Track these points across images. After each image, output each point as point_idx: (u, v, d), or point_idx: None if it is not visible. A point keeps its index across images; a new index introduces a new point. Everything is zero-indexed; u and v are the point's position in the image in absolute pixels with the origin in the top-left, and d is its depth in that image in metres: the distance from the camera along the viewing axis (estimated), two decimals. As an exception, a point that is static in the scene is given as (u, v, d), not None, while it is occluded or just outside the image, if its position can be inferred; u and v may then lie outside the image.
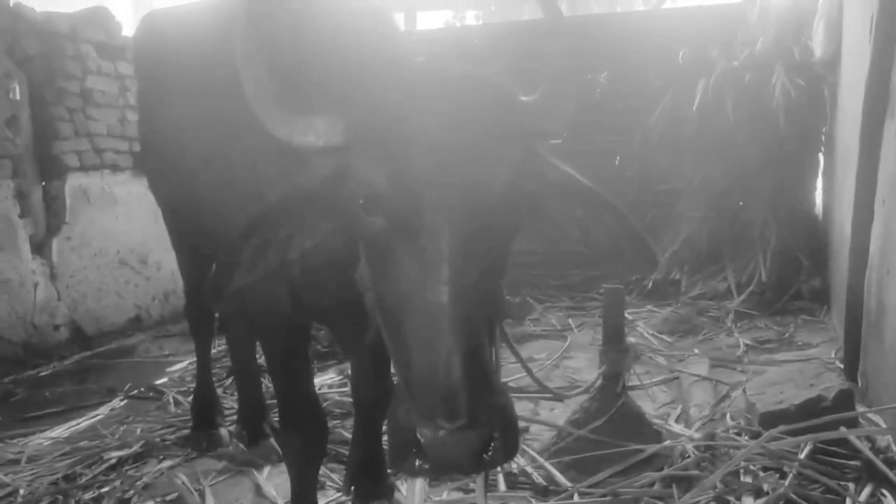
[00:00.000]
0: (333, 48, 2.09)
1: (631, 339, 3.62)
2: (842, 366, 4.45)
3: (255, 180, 2.26)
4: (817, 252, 6.64)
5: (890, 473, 2.89)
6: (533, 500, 3.11)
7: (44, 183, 6.13)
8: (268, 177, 2.18)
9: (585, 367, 5.05)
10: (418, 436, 1.41)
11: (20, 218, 5.80)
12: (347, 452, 3.56)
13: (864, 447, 3.04)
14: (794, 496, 2.78)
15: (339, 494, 3.28)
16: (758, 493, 2.88)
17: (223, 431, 4.03)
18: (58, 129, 6.11)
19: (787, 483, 2.84)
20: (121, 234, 6.69)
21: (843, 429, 3.13)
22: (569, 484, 3.16)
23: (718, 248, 6.95)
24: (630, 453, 3.28)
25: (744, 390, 3.82)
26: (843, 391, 3.39)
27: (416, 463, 1.43)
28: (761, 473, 2.98)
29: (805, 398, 3.45)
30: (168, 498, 3.37)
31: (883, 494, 2.84)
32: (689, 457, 3.19)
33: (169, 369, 5.61)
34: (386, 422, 1.65)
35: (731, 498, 2.85)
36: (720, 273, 6.80)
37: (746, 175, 6.90)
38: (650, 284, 6.97)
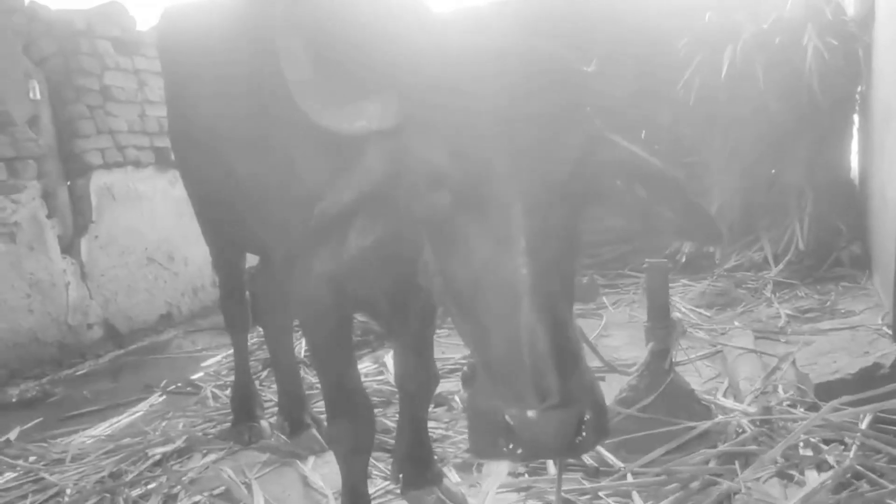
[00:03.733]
0: (373, 29, 2.00)
1: (676, 315, 3.51)
2: (891, 332, 4.33)
3: (293, 171, 2.19)
4: (855, 217, 6.47)
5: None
6: (585, 482, 3.04)
7: (69, 182, 6.12)
8: (308, 166, 2.11)
9: (624, 346, 4.95)
10: (506, 418, 1.34)
11: (48, 218, 5.80)
12: (391, 441, 3.53)
13: (928, 414, 2.94)
14: (859, 467, 2.69)
15: (387, 483, 3.24)
16: (819, 465, 2.79)
17: (264, 423, 4.00)
18: (79, 128, 6.09)
19: (851, 455, 2.74)
20: (147, 231, 6.67)
21: (904, 396, 3.03)
22: (621, 464, 3.08)
23: (752, 217, 6.80)
24: (681, 430, 3.20)
25: (794, 361, 3.71)
26: (901, 358, 3.29)
27: (505, 448, 1.36)
28: (823, 446, 2.89)
29: (861, 366, 3.35)
30: (215, 492, 3.34)
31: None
32: (744, 432, 3.10)
33: (203, 364, 5.59)
34: (464, 410, 1.59)
35: (793, 472, 2.76)
36: (755, 243, 6.66)
37: (779, 141, 6.73)
38: (684, 258, 6.84)
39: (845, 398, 2.99)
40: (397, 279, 2.20)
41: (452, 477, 3.24)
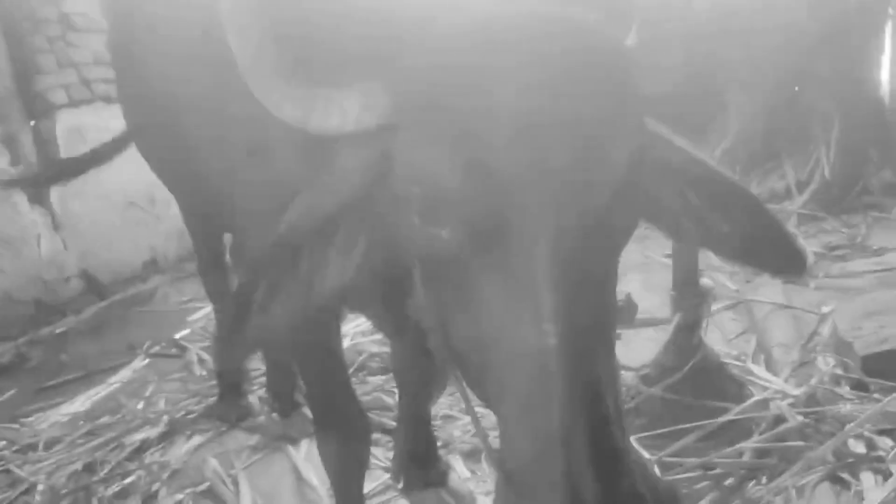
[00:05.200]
0: None
1: (706, 281, 3.13)
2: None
3: (264, 164, 1.75)
4: (886, 139, 5.99)
5: None
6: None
7: (32, 123, 5.60)
8: (279, 160, 1.67)
9: (641, 292, 4.55)
10: None
11: (11, 166, 5.32)
12: (391, 422, 3.22)
13: None
14: (924, 472, 2.36)
15: (387, 476, 2.93)
16: (875, 465, 2.46)
17: (252, 399, 3.69)
18: (38, 63, 5.52)
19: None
20: (124, 172, 6.14)
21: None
22: (646, 454, 2.76)
23: (774, 142, 6.31)
24: (713, 414, 2.87)
25: (834, 324, 3.34)
26: (961, 327, 2.93)
27: None
28: (876, 439, 2.55)
29: (913, 335, 2.99)
30: (198, 489, 3.06)
31: None
32: (784, 420, 2.75)
33: (190, 318, 5.24)
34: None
35: (846, 476, 2.43)
36: (777, 170, 6.19)
37: (804, 57, 6.16)
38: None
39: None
40: (390, 283, 1.80)
41: (459, 468, 2.93)
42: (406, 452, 2.77)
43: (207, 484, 3.05)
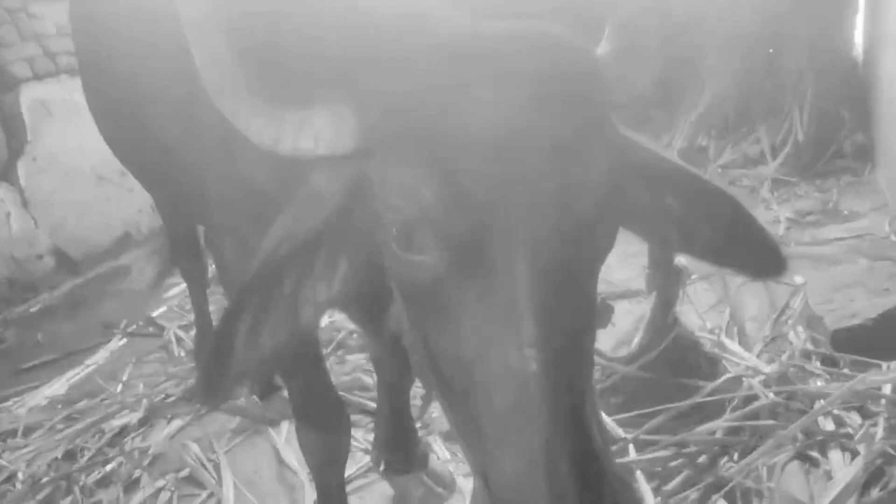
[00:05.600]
0: (325, 14, 1.47)
1: (681, 259, 3.15)
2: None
3: (234, 168, 1.71)
4: (859, 102, 5.99)
5: None
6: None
7: (-5, 99, 5.46)
8: (249, 165, 1.63)
9: (617, 265, 4.58)
10: None
11: (-24, 143, 5.20)
12: (371, 403, 3.24)
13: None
14: (889, 450, 2.42)
15: (368, 459, 2.96)
16: (843, 443, 2.53)
17: (232, 381, 3.68)
18: (-1, 36, 5.36)
19: (879, 433, 2.47)
20: (92, 146, 5.94)
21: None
22: (621, 432, 2.81)
23: (748, 106, 6.29)
24: (688, 392, 2.92)
25: (805, 298, 3.39)
26: (928, 300, 2.98)
27: None
28: (845, 416, 2.62)
29: (882, 309, 3.05)
30: (180, 474, 3.08)
31: None
32: (756, 397, 2.81)
33: (167, 294, 5.21)
34: None
35: (815, 454, 2.49)
36: (751, 135, 6.19)
37: (779, 18, 6.12)
38: (675, 153, 6.39)
39: (876, 377, 2.68)
40: (370, 289, 1.80)
41: (439, 450, 2.97)
42: (386, 438, 2.79)
43: (188, 470, 3.07)
